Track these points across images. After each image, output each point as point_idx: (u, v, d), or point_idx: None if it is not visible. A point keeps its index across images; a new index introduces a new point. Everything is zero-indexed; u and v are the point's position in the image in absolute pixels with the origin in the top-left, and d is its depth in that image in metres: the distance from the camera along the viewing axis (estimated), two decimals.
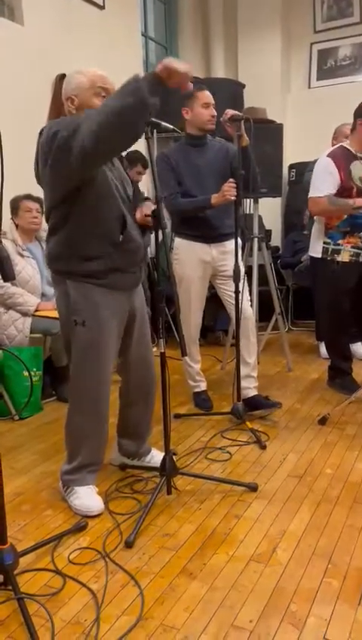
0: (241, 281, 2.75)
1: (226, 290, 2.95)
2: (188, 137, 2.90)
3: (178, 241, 2.96)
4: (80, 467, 2.11)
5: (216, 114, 2.79)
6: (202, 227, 2.86)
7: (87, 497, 2.07)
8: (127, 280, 2.07)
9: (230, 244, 2.83)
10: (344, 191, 2.99)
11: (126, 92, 1.65)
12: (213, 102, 2.80)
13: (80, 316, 1.99)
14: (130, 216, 2.01)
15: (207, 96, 2.78)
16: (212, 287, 3.09)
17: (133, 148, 1.93)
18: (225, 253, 2.91)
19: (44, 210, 2.67)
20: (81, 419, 2.09)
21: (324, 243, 3.13)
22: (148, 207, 2.02)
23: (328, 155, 3.03)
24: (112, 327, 2.04)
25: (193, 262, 2.92)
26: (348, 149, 3.04)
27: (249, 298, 3.04)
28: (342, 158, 3.00)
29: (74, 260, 1.96)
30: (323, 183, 3.01)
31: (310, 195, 3.08)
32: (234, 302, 2.77)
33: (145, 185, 4.75)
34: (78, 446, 2.11)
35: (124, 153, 2.02)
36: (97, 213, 1.92)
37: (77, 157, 1.75)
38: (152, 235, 2.12)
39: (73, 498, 2.09)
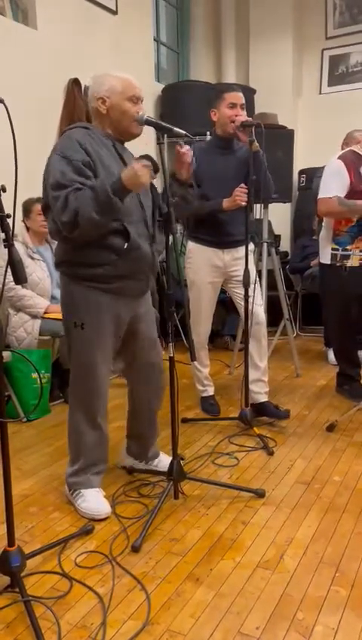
0: (253, 285, 2.73)
1: (239, 294, 2.94)
2: (215, 138, 2.88)
3: (191, 245, 2.96)
4: (83, 469, 2.12)
5: (241, 114, 2.70)
6: (217, 233, 2.84)
7: (94, 500, 2.07)
8: (133, 287, 2.07)
9: (243, 250, 2.82)
10: (354, 194, 3.00)
11: (102, 207, 1.80)
12: (240, 102, 2.72)
13: (79, 318, 2.00)
14: (141, 224, 2.00)
15: (233, 97, 2.71)
16: (220, 292, 3.09)
17: (144, 152, 1.93)
18: (238, 259, 2.89)
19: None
20: (79, 420, 2.09)
21: (332, 249, 3.13)
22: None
23: (339, 158, 3.05)
24: (110, 331, 2.05)
25: (205, 267, 2.91)
26: (359, 153, 3.06)
27: (261, 303, 3.03)
28: (352, 161, 3.02)
29: (79, 265, 1.98)
30: (333, 185, 3.02)
31: (319, 195, 3.08)
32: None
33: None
34: (79, 447, 2.12)
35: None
36: None
37: (57, 220, 1.89)
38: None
39: (80, 501, 2.09)
